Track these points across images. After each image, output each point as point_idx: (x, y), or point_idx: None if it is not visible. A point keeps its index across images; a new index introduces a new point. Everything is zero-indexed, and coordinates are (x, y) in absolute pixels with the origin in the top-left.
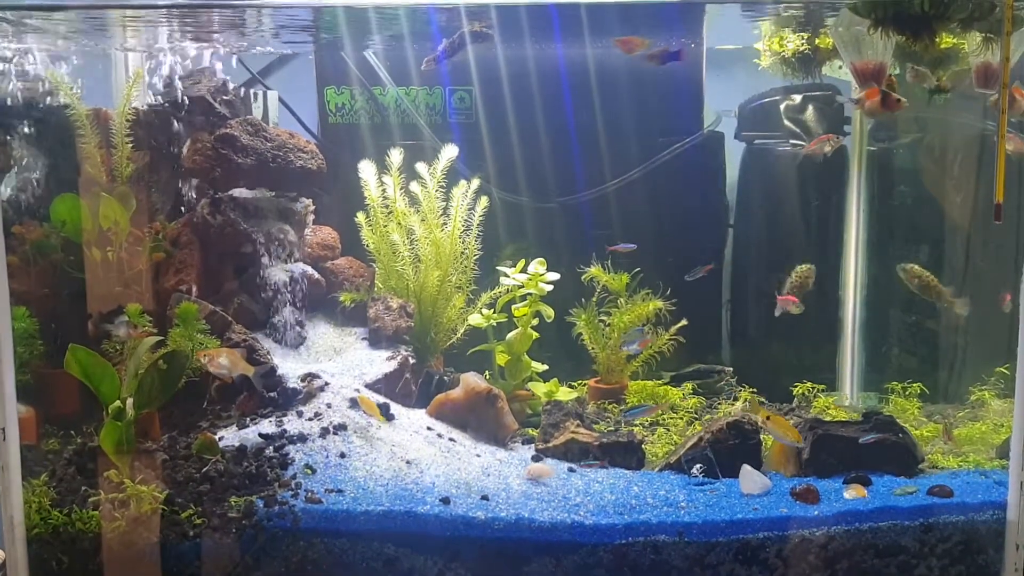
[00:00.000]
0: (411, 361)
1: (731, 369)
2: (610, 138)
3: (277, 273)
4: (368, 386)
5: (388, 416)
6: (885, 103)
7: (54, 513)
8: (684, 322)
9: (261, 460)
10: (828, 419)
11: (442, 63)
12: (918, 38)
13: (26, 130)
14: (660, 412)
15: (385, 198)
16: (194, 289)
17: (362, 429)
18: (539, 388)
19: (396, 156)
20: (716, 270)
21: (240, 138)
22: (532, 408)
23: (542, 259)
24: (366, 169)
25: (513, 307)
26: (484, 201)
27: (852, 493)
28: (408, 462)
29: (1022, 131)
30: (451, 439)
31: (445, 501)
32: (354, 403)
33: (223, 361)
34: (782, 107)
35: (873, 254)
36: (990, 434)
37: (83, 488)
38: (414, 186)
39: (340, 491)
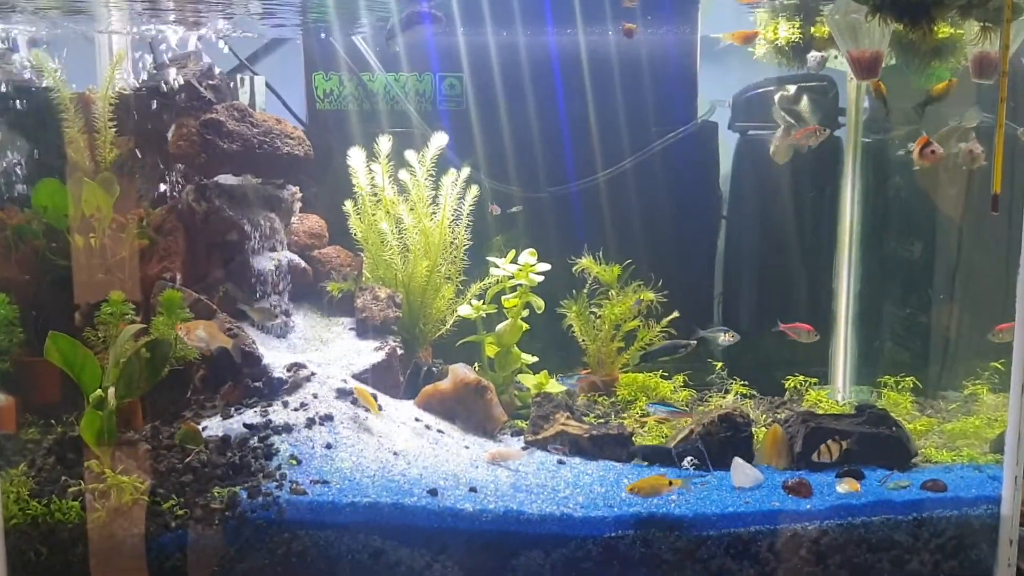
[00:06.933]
0: (399, 352)
1: (694, 343)
2: (603, 127)
3: (263, 261)
4: (355, 376)
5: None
6: (921, 153)
7: (33, 504)
8: (675, 314)
9: (245, 450)
10: (821, 412)
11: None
12: (916, 25)
13: (7, 113)
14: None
15: (373, 186)
16: (178, 277)
17: (349, 420)
18: (529, 380)
19: (385, 143)
20: (709, 262)
21: (226, 123)
22: (522, 400)
23: (532, 249)
24: (354, 156)
25: (503, 298)
26: (474, 190)
27: (845, 487)
28: (395, 453)
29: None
30: (439, 431)
31: (433, 493)
32: (341, 393)
33: (201, 334)
34: (776, 97)
35: (867, 246)
36: (984, 428)
37: (63, 478)
38: (403, 174)
39: (326, 482)
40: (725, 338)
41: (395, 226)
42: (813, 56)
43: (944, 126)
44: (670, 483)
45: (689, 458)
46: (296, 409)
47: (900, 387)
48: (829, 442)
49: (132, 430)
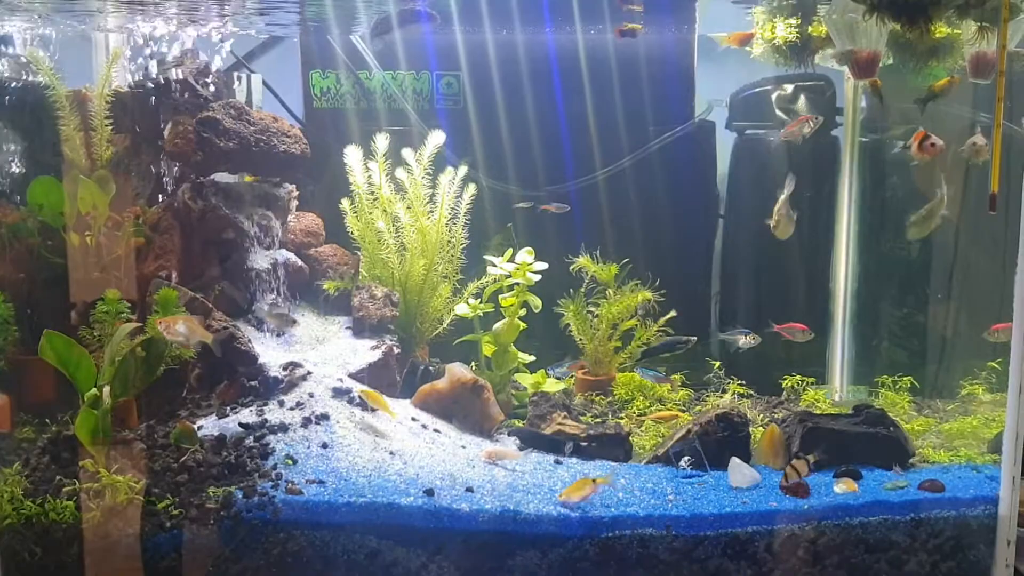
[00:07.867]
0: (396, 351)
1: (695, 339)
2: (600, 126)
3: (260, 260)
4: (352, 376)
5: (372, 407)
6: (921, 147)
7: (27, 503)
8: (673, 313)
9: (241, 450)
10: (818, 412)
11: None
12: (914, 24)
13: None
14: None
15: (370, 184)
16: (174, 275)
17: (345, 419)
18: (526, 379)
19: (382, 142)
20: (706, 262)
21: (222, 121)
22: (519, 399)
23: (530, 248)
24: (351, 155)
25: (500, 297)
26: (471, 189)
27: (842, 487)
28: (392, 453)
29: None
30: (436, 430)
31: (429, 493)
32: (337, 392)
33: (180, 328)
34: (774, 97)
35: (864, 246)
36: (981, 428)
37: (58, 478)
38: (400, 173)
39: (322, 482)
40: (746, 340)
41: (392, 224)
42: (835, 51)
43: (942, 124)
44: (594, 481)
45: (686, 458)
46: (292, 408)
47: (897, 387)
48: (793, 462)
49: (127, 429)
